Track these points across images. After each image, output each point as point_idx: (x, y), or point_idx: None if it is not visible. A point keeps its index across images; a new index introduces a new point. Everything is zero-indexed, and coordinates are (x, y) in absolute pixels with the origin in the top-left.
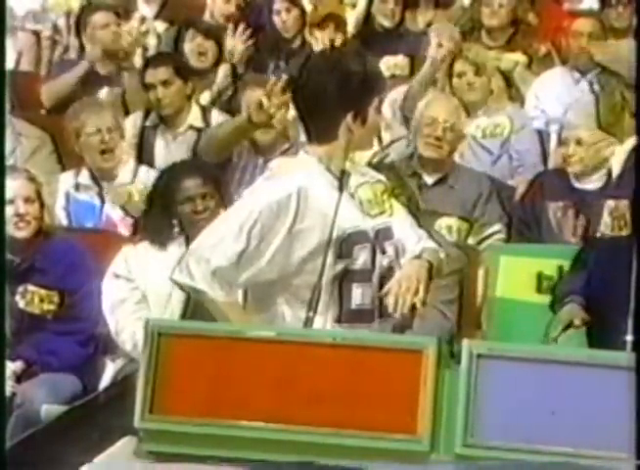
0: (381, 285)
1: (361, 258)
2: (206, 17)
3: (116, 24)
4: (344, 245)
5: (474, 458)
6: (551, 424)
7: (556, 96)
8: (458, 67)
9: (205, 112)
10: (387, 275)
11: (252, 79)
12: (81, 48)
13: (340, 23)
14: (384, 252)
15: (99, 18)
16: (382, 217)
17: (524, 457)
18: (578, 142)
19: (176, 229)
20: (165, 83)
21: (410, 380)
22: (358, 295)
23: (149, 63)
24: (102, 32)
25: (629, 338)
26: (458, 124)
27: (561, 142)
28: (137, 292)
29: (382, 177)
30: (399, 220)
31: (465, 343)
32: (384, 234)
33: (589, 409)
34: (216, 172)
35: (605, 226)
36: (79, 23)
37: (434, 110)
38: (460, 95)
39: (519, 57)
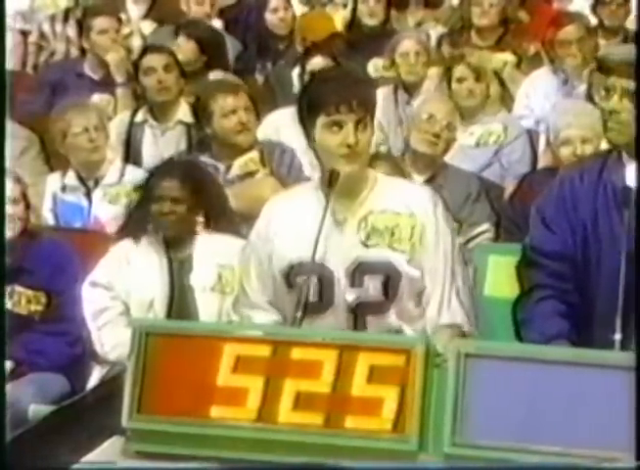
0: (356, 318)
1: (310, 290)
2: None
3: (115, 30)
4: (290, 275)
5: (462, 458)
6: (540, 423)
7: (545, 95)
8: (459, 72)
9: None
10: (361, 310)
11: (219, 85)
12: (81, 51)
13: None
14: (354, 285)
15: (100, 23)
16: (379, 249)
17: (512, 457)
18: (584, 141)
19: (150, 226)
20: (167, 68)
21: (398, 379)
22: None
23: (149, 49)
24: (102, 38)
25: (617, 337)
26: (454, 124)
27: (560, 142)
28: (118, 302)
29: (416, 211)
30: (428, 267)
31: (453, 342)
32: (369, 267)
33: (579, 409)
34: (202, 178)
35: None
36: (82, 26)
37: (433, 107)
38: (457, 100)
39: (508, 56)
